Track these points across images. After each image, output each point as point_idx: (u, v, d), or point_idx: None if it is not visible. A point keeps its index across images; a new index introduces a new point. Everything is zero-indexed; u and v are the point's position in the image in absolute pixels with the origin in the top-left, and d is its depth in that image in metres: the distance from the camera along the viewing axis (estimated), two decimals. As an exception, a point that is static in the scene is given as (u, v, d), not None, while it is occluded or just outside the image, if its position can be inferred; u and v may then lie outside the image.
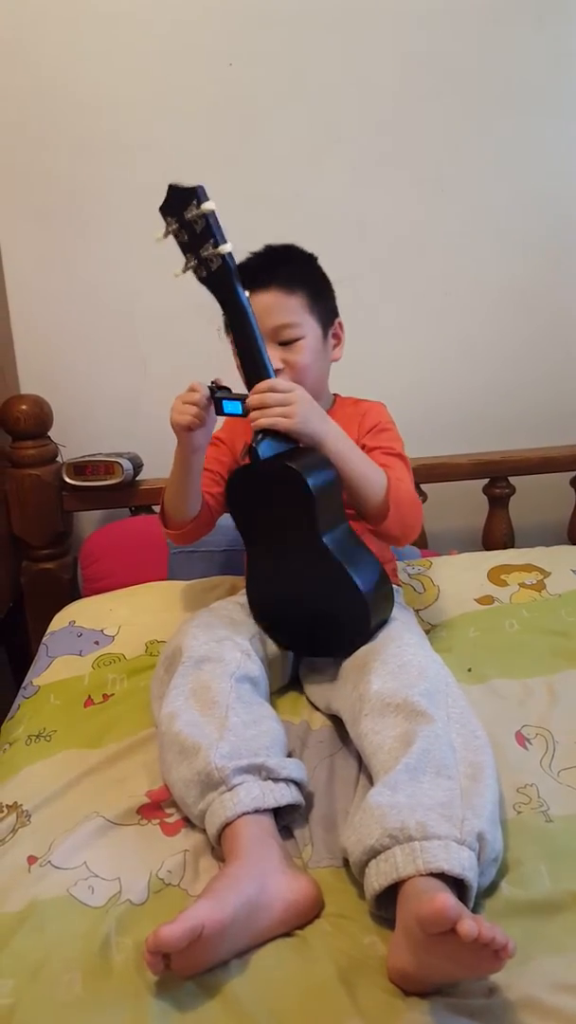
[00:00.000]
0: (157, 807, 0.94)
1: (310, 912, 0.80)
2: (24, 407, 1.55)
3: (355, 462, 1.09)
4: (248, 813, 0.85)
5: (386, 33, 1.58)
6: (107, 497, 1.62)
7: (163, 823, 0.92)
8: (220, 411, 1.11)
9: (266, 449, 1.04)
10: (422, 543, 1.69)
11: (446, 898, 0.67)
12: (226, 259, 0.99)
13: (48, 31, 1.54)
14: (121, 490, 1.60)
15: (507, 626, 1.30)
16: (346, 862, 0.84)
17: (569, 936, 0.74)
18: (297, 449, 1.06)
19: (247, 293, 1.04)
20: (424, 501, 1.55)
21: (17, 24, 1.53)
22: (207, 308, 1.64)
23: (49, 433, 1.60)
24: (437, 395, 1.76)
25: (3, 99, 1.56)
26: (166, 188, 1.00)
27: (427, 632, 1.26)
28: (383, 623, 1.09)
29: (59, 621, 1.42)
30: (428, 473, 1.62)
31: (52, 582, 1.63)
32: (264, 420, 1.03)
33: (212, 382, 1.12)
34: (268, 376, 1.05)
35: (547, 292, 1.74)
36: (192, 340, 1.68)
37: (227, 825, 0.85)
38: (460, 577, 1.46)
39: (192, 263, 1.01)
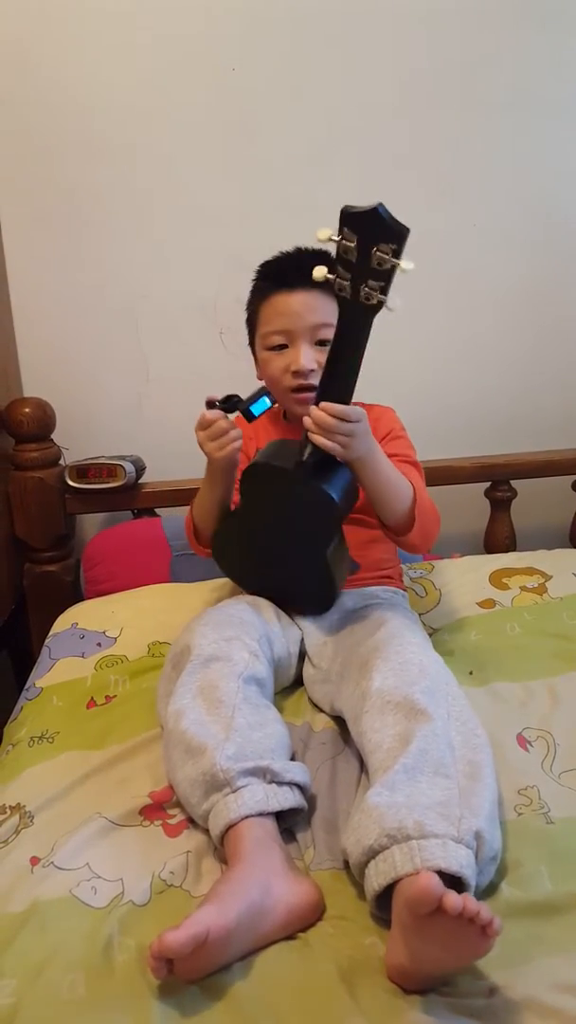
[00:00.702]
0: (159, 808, 0.95)
1: (312, 915, 0.80)
2: (27, 410, 1.55)
3: (389, 478, 1.10)
4: (252, 816, 0.86)
5: (390, 36, 1.59)
6: (109, 500, 1.62)
7: (165, 824, 0.93)
8: (252, 418, 1.11)
9: (311, 459, 1.04)
10: (424, 546, 1.70)
11: (431, 877, 0.68)
12: (381, 307, 0.93)
13: (52, 35, 1.55)
14: (123, 493, 1.61)
15: (508, 629, 1.31)
16: (347, 864, 0.84)
17: (569, 937, 0.75)
18: (335, 471, 1.06)
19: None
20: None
21: (21, 29, 1.54)
22: (209, 312, 1.66)
23: (52, 436, 1.60)
24: (440, 398, 1.76)
25: (7, 104, 1.57)
26: (374, 205, 0.87)
27: (429, 635, 1.26)
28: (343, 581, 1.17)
29: (61, 623, 1.43)
30: (430, 476, 1.60)
31: (54, 584, 1.63)
32: (323, 442, 1.01)
33: (210, 402, 1.12)
34: (346, 402, 1.01)
35: (552, 296, 1.75)
36: (194, 344, 1.70)
37: (230, 827, 0.85)
38: (462, 580, 1.47)
39: (344, 281, 0.92)
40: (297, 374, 1.18)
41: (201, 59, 1.58)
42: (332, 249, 0.92)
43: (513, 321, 1.76)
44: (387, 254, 0.87)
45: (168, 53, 1.57)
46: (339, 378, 1.00)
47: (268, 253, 1.25)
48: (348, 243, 0.88)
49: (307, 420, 1.01)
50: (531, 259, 1.73)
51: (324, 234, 0.90)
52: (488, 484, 1.70)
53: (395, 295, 0.91)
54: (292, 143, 1.61)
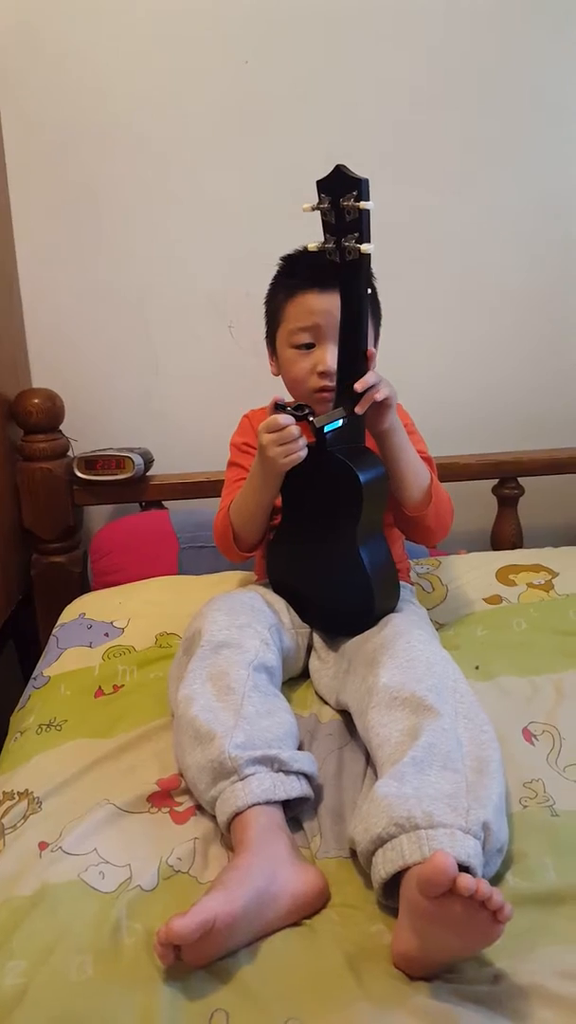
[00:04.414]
0: (167, 795, 0.95)
1: (317, 903, 0.81)
2: (36, 401, 1.56)
3: (410, 452, 1.16)
4: (259, 804, 0.86)
5: (403, 36, 1.59)
6: (117, 491, 1.63)
7: (173, 811, 0.93)
8: (322, 436, 1.08)
9: (334, 434, 1.08)
10: (430, 542, 1.70)
11: (446, 856, 0.68)
12: (364, 257, 1.02)
13: (64, 28, 1.55)
14: (131, 485, 1.62)
15: (515, 625, 1.31)
16: (353, 853, 0.84)
17: (573, 927, 0.75)
18: (358, 448, 1.11)
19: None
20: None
21: (35, 22, 1.54)
22: (219, 304, 1.67)
23: (61, 427, 1.61)
24: (448, 395, 1.76)
25: (19, 95, 1.57)
26: (333, 166, 1.01)
27: (436, 630, 1.27)
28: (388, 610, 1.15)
29: (69, 613, 1.44)
30: (438, 472, 1.63)
31: (62, 575, 1.64)
32: (386, 390, 1.08)
33: (279, 404, 1.08)
34: (367, 370, 1.09)
35: (560, 294, 1.75)
36: (204, 336, 1.71)
37: (237, 814, 0.86)
38: (468, 576, 1.47)
39: (329, 245, 1.04)
40: (324, 375, 1.17)
41: (214, 52, 1.58)
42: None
43: (522, 319, 1.76)
44: (351, 201, 1.00)
45: (181, 46, 1.57)
46: (352, 350, 1.08)
47: (278, 247, 1.25)
48: (324, 206, 1.03)
49: (358, 386, 1.07)
50: (541, 258, 1.72)
51: (306, 205, 1.03)
52: (496, 481, 1.70)
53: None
54: (304, 138, 1.61)
